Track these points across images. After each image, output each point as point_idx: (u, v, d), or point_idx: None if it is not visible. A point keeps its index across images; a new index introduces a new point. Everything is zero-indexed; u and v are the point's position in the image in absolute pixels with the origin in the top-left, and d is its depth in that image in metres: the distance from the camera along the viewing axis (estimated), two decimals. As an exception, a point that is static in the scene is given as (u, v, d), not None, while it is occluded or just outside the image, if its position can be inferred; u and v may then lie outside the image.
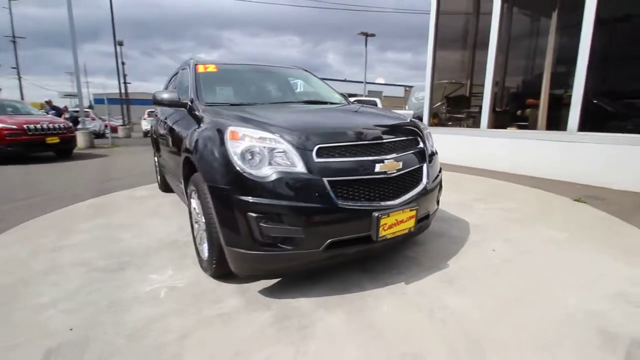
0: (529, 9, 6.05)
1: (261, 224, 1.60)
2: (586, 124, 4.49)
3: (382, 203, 1.78)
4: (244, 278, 2.00)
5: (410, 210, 1.84)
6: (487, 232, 2.78)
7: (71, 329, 1.64)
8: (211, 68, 2.86)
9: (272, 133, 1.71)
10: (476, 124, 6.40)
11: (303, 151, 1.66)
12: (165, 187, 4.42)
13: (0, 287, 2.07)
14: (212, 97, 2.57)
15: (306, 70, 3.53)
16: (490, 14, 6.82)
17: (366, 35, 28.02)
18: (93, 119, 15.45)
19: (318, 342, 1.53)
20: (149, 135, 17.21)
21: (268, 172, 1.63)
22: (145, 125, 18.00)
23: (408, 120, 2.19)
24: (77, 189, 4.86)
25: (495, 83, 5.60)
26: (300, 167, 1.65)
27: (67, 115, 11.84)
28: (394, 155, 1.86)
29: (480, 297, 1.86)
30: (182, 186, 2.63)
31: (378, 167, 1.77)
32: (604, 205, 3.44)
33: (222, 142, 1.74)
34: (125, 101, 20.69)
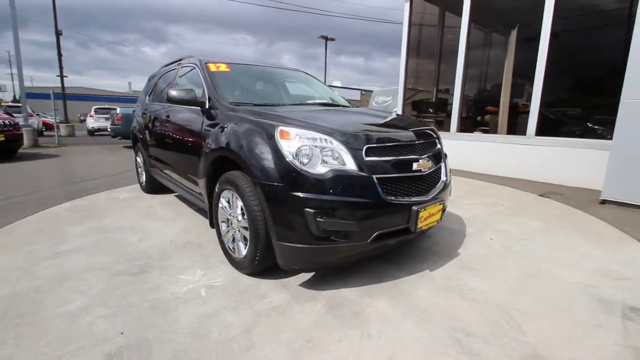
0: (490, 27, 6.75)
1: (318, 219, 1.70)
2: (540, 130, 5.17)
3: (418, 198, 1.97)
4: (290, 271, 2.08)
5: (439, 204, 2.06)
6: (479, 224, 3.13)
7: (122, 333, 1.60)
8: (223, 67, 2.85)
9: (324, 133, 1.82)
10: (444, 128, 6.97)
11: (354, 151, 1.79)
12: (152, 189, 4.22)
13: (15, 297, 1.90)
14: (234, 97, 2.57)
15: (306, 73, 3.64)
16: (452, 27, 7.49)
17: (326, 39, 28.58)
18: (31, 115, 13.77)
19: (376, 324, 1.67)
20: (96, 133, 15.96)
21: (323, 170, 1.74)
22: (93, 123, 16.49)
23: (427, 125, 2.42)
24: (45, 191, 4.42)
25: (462, 92, 6.17)
26: (352, 166, 1.78)
27: (1, 111, 10.48)
28: (425, 155, 2.07)
29: (497, 277, 2.14)
30: (199, 186, 2.60)
31: (415, 166, 1.96)
32: (563, 199, 4.03)
33: (274, 141, 1.81)
34: (65, 96, 18.71)
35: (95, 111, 16.92)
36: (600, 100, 5.34)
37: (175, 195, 4.21)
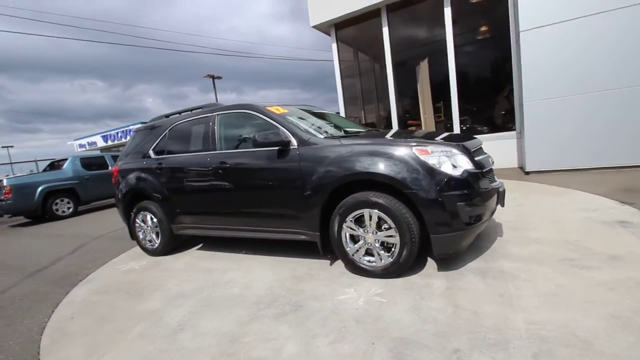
0: (406, 65, 8.43)
1: (467, 209, 2.26)
2: (462, 131, 6.87)
3: (497, 183, 2.74)
4: (442, 258, 2.54)
5: (503, 185, 2.88)
6: (481, 203, 4.15)
7: (373, 343, 1.78)
8: (282, 109, 3.11)
9: (447, 146, 2.41)
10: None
11: (468, 155, 2.44)
12: (168, 249, 3.86)
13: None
14: (318, 131, 2.89)
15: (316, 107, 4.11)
16: (367, 60, 9.04)
17: (213, 77, 28.51)
18: None
19: (521, 274, 2.28)
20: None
21: (459, 172, 2.32)
22: None
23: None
24: (19, 287, 3.47)
25: (398, 113, 7.57)
26: (470, 166, 2.41)
27: None
28: (485, 153, 2.89)
29: (538, 228, 3.06)
30: (302, 220, 2.76)
31: (491, 161, 2.74)
32: (504, 176, 5.52)
33: (417, 158, 2.30)
34: None
35: None
36: (481, 107, 7.46)
37: (198, 249, 3.95)
